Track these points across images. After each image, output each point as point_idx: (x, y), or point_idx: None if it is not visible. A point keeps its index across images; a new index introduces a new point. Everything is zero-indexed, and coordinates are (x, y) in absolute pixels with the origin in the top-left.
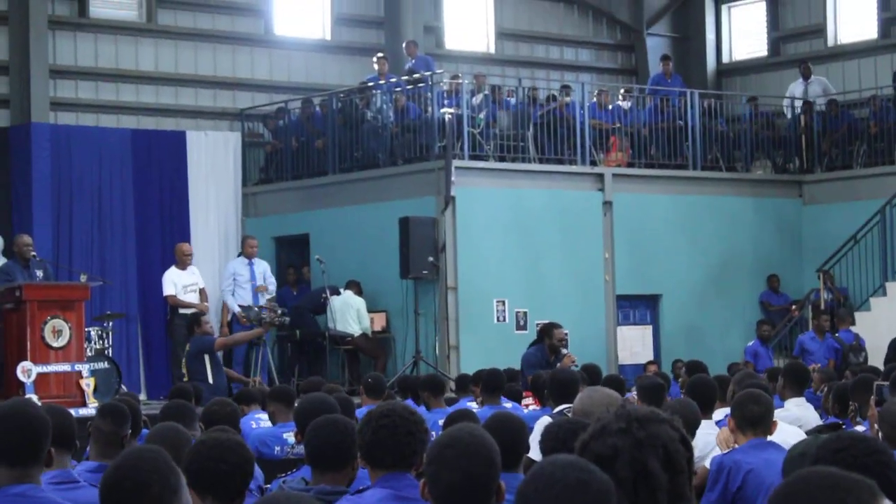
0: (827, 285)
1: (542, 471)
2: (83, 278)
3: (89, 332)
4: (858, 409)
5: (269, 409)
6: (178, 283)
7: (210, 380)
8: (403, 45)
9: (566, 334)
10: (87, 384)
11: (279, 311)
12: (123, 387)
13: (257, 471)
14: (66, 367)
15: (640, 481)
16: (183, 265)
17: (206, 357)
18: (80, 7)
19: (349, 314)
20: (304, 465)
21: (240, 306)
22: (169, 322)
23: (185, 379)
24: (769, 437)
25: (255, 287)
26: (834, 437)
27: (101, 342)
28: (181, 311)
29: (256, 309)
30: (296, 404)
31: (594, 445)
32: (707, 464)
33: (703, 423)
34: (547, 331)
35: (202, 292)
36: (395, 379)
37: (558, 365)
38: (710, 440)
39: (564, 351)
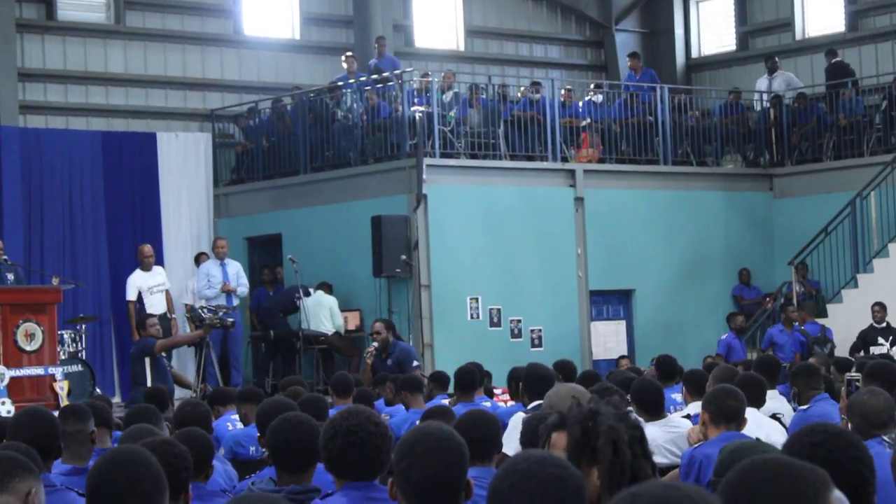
0: (799, 278)
1: (515, 466)
2: (55, 281)
3: (62, 335)
4: (798, 395)
5: (241, 410)
6: (143, 286)
7: (149, 383)
8: (373, 41)
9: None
10: (61, 387)
11: (220, 313)
12: (97, 389)
13: (232, 471)
14: (39, 371)
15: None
16: (146, 267)
17: (147, 360)
18: (48, 10)
19: (322, 313)
20: (267, 466)
21: (186, 306)
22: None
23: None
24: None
25: (222, 287)
26: (808, 430)
27: (74, 345)
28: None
29: (198, 311)
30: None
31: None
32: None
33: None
34: None
35: (167, 293)
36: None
37: None
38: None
39: None
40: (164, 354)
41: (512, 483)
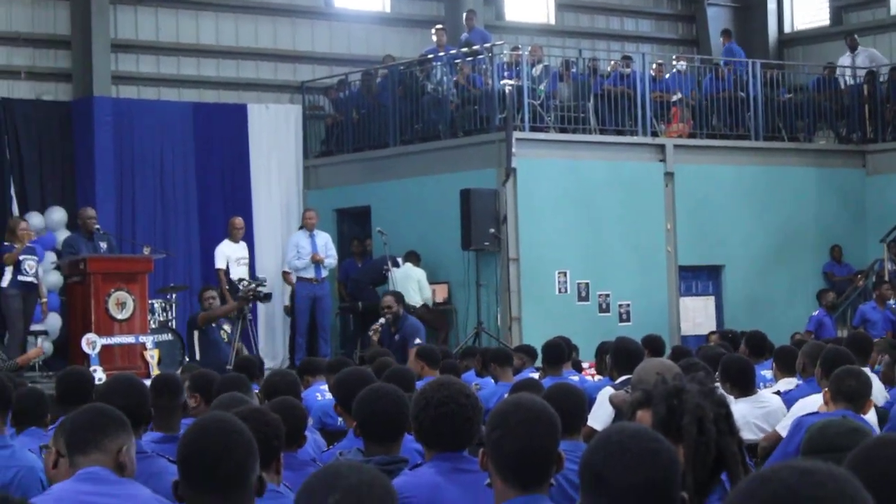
0: (892, 256)
1: (609, 440)
2: (146, 251)
3: (153, 304)
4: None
5: (330, 381)
6: (230, 256)
7: (197, 355)
8: (464, 15)
9: None
10: (152, 356)
11: (254, 285)
12: (187, 358)
13: (321, 441)
14: (130, 339)
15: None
16: (235, 238)
17: (196, 333)
18: None
19: (410, 286)
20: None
21: (228, 280)
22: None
23: None
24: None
25: (312, 257)
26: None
27: (164, 314)
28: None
29: (236, 283)
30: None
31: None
32: (780, 429)
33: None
34: None
35: (249, 269)
36: (458, 350)
37: None
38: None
39: None
40: (213, 325)
41: (606, 456)
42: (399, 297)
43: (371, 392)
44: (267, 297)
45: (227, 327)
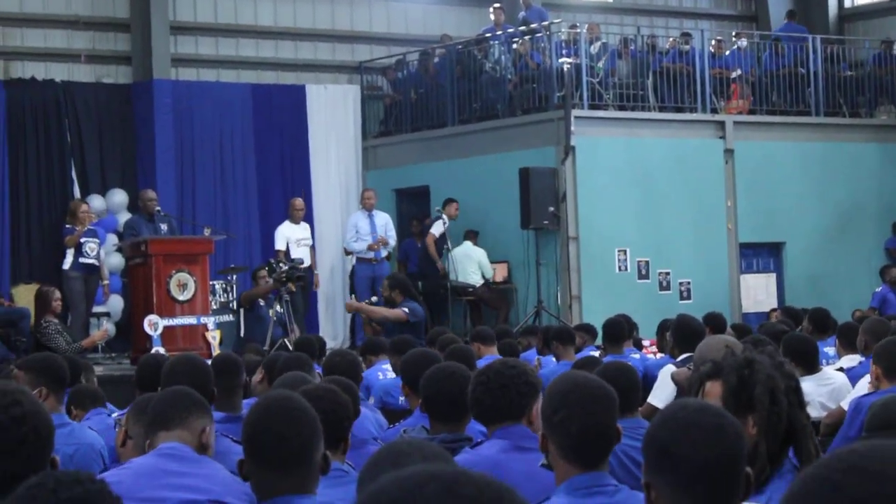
0: None
1: (674, 415)
2: (207, 232)
3: (213, 285)
4: None
5: (393, 360)
6: (291, 237)
7: (241, 333)
8: None
9: None
10: (213, 337)
11: (287, 268)
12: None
13: (382, 419)
14: (191, 321)
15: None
16: (296, 219)
17: (241, 311)
18: None
19: (469, 265)
20: (417, 413)
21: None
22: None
23: None
24: None
25: (375, 239)
26: None
27: (225, 295)
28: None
29: (274, 264)
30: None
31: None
32: (844, 405)
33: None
34: None
35: (312, 250)
36: (519, 329)
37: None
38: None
39: None
40: (262, 304)
41: (672, 432)
42: (394, 282)
43: (438, 371)
44: (300, 280)
45: (278, 307)
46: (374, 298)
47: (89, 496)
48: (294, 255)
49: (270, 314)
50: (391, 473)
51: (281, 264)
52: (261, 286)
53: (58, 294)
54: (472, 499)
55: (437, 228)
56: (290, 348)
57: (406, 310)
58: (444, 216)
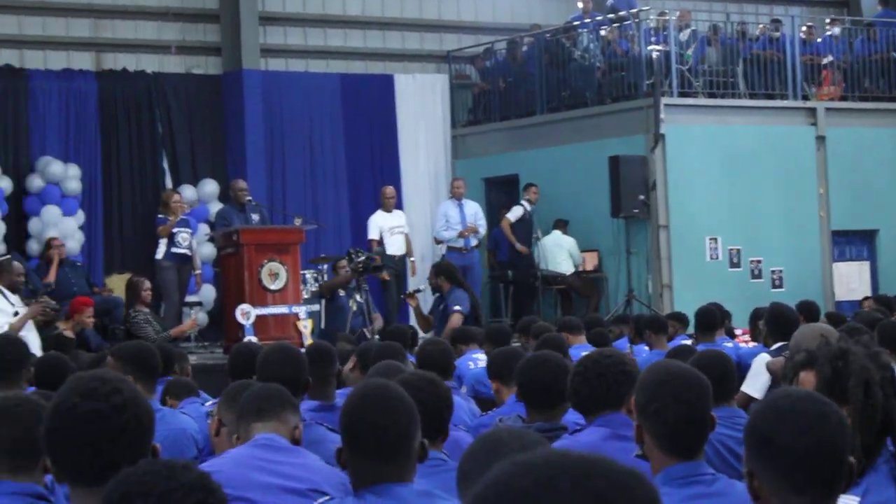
0: None
1: (776, 403)
2: (298, 221)
3: (304, 274)
4: None
5: (485, 349)
6: (384, 226)
7: (322, 324)
8: None
9: None
10: (305, 326)
11: (364, 258)
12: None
13: (475, 408)
14: (283, 310)
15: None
16: (388, 208)
17: (323, 301)
18: None
19: (560, 253)
20: (511, 401)
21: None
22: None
23: None
24: None
25: (465, 228)
26: None
27: (316, 284)
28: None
29: (351, 254)
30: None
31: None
32: None
33: None
34: None
35: (406, 237)
36: (610, 317)
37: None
38: None
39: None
40: (342, 294)
41: (774, 419)
42: (439, 269)
43: (532, 359)
44: (377, 270)
45: (358, 296)
46: (421, 287)
47: (204, 481)
48: (388, 243)
49: (350, 304)
50: (510, 462)
51: (358, 254)
52: (340, 276)
53: (147, 284)
54: (600, 494)
55: (514, 214)
56: (369, 338)
57: (458, 308)
58: (525, 202)
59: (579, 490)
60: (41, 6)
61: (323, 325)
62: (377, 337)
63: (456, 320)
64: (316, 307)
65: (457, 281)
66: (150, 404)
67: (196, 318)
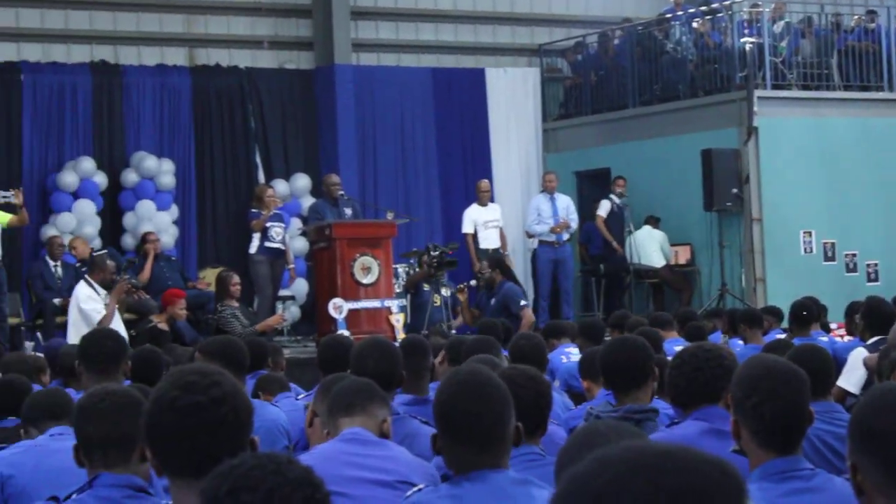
0: None
1: (883, 396)
2: (390, 216)
3: (396, 268)
4: None
5: (578, 342)
6: (478, 220)
7: (408, 318)
8: None
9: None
10: (397, 320)
11: (438, 253)
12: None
13: (568, 402)
14: (375, 304)
15: None
16: (483, 201)
17: (408, 296)
18: None
19: (651, 247)
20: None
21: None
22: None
23: None
24: None
25: (557, 223)
26: None
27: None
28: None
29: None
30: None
31: None
32: None
33: None
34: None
35: (501, 231)
36: (703, 311)
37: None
38: None
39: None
40: (426, 289)
41: (879, 412)
42: (494, 262)
43: (615, 341)
44: (451, 265)
45: (444, 291)
46: (472, 283)
47: (309, 476)
48: (482, 237)
49: (434, 299)
50: (591, 458)
51: (435, 249)
52: (421, 271)
53: (236, 278)
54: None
55: (603, 209)
56: (446, 332)
57: (524, 302)
58: (613, 196)
59: (653, 489)
60: (135, 3)
61: (409, 320)
62: (454, 332)
63: (529, 315)
64: (405, 301)
65: (510, 275)
66: (248, 398)
67: (283, 313)
